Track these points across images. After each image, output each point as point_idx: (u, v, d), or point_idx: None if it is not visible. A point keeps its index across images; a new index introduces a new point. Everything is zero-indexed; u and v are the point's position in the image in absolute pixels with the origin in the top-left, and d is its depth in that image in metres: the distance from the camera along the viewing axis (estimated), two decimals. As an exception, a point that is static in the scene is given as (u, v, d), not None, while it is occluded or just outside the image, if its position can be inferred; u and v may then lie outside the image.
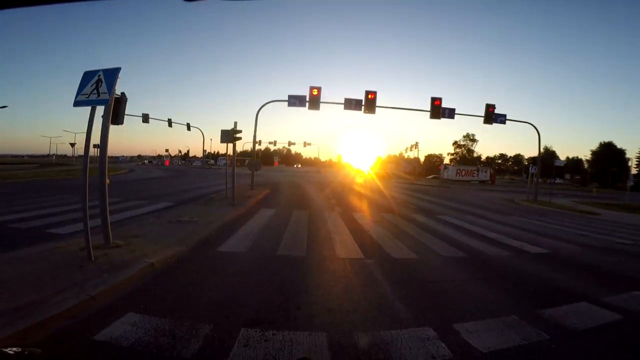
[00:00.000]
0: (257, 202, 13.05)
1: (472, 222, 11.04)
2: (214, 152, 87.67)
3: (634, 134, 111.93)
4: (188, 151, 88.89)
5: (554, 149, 72.62)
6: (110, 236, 5.42)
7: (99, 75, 4.66)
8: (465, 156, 76.10)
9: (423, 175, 58.05)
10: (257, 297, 3.91)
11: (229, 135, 11.95)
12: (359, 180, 37.77)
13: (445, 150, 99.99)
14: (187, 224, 7.67)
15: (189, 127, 37.59)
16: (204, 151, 54.69)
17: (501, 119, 19.95)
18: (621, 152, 65.05)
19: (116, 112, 5.47)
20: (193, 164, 74.63)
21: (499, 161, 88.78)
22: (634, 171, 55.65)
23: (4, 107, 23.15)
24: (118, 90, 5.26)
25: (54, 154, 72.64)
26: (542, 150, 23.65)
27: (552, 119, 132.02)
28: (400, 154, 78.26)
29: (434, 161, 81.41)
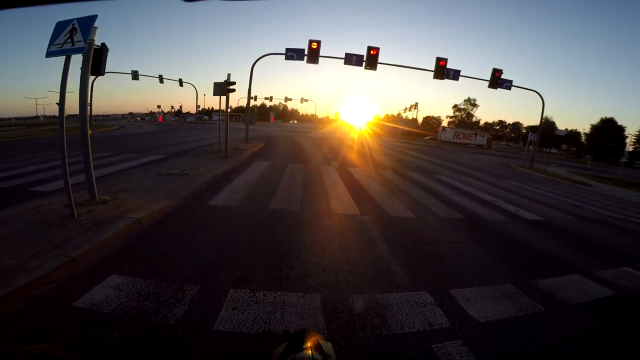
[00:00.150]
0: (251, 155, 12.77)
1: (469, 183, 10.93)
2: (208, 107, 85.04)
3: (637, 113, 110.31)
4: (181, 107, 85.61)
5: (554, 120, 71.64)
6: (96, 191, 5.16)
7: (73, 24, 4.23)
8: (464, 120, 74.86)
9: (420, 136, 57.41)
10: (247, 255, 3.75)
11: (222, 88, 11.48)
12: (356, 137, 37.24)
13: (444, 113, 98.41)
14: (177, 177, 7.41)
15: (181, 82, 36.01)
16: (198, 106, 52.94)
17: (507, 84, 19.44)
18: (621, 129, 64.49)
19: (97, 63, 5.12)
20: (187, 119, 72.54)
21: (497, 127, 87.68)
22: (630, 148, 55.51)
23: None
24: (98, 43, 4.94)
25: (42, 115, 69.68)
26: (543, 119, 23.16)
27: (555, 90, 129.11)
28: (399, 114, 76.82)
29: (432, 123, 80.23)
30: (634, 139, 65.33)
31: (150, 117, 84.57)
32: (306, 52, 16.68)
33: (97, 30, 4.64)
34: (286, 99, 53.31)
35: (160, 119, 68.61)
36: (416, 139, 48.70)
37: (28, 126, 42.80)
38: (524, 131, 59.00)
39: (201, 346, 2.22)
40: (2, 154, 12.01)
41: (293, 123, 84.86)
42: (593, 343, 2.72)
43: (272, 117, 69.35)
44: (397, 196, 7.40)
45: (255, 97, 48.55)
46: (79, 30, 4.23)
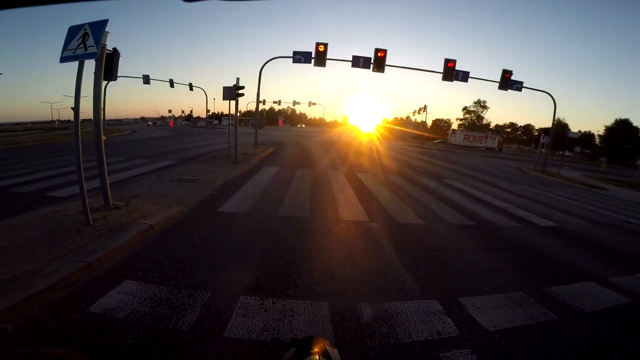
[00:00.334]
0: (260, 160, 12.89)
1: (480, 188, 10.81)
2: (218, 112, 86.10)
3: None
4: (191, 112, 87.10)
5: (566, 121, 70.39)
6: (110, 197, 5.29)
7: (85, 29, 4.36)
8: (474, 122, 74.05)
9: (430, 139, 56.99)
10: (257, 262, 3.80)
11: (231, 92, 11.64)
12: (365, 141, 37.19)
13: (453, 115, 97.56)
14: (189, 183, 7.53)
15: (191, 87, 36.55)
16: (208, 111, 53.66)
17: (517, 85, 19.11)
18: (636, 130, 62.90)
19: (109, 68, 5.22)
20: (197, 124, 73.62)
21: (508, 130, 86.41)
22: (646, 150, 54.08)
23: None
24: (110, 47, 5.04)
25: (57, 120, 71.45)
26: (555, 121, 22.77)
27: (568, 92, 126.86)
28: (407, 117, 76.37)
29: (441, 126, 79.58)
30: (651, 140, 63.55)
31: (161, 122, 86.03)
32: (313, 55, 16.71)
33: (109, 35, 4.73)
34: (294, 103, 53.78)
35: (171, 124, 69.76)
36: (426, 142, 48.35)
37: (43, 131, 43.85)
38: (536, 133, 58.11)
39: (212, 352, 2.26)
40: (19, 159, 12.42)
41: (301, 127, 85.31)
42: (606, 352, 2.66)
43: (280, 121, 69.88)
44: (406, 202, 7.38)
45: (264, 100, 48.93)
46: (91, 35, 4.34)
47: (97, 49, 4.39)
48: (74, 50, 4.38)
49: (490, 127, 78.79)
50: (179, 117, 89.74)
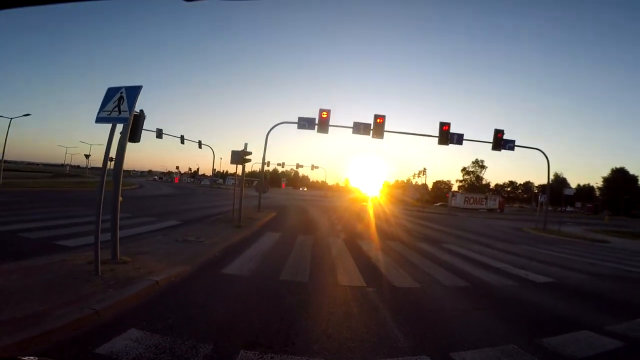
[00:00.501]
0: (263, 225, 13.17)
1: (478, 251, 10.93)
2: (223, 171, 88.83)
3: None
4: (198, 169, 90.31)
5: (565, 175, 71.70)
6: (118, 252, 5.57)
7: (121, 93, 4.80)
8: (473, 183, 75.36)
9: (431, 202, 57.51)
10: (257, 321, 3.95)
11: (239, 157, 12.12)
12: (366, 205, 37.67)
13: (453, 176, 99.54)
14: (193, 244, 7.80)
15: (200, 144, 37.93)
16: (214, 170, 55.32)
17: (510, 145, 19.81)
18: (634, 179, 63.98)
19: (134, 130, 5.60)
20: (202, 182, 75.54)
21: (509, 189, 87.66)
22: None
23: (28, 115, 23.98)
24: (137, 109, 5.37)
25: (68, 164, 74.17)
26: (552, 176, 23.73)
27: (564, 145, 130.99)
28: (408, 180, 77.91)
29: (442, 188, 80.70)
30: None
31: (167, 177, 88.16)
32: (317, 122, 17.55)
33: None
34: (297, 166, 55.43)
35: (176, 180, 71.47)
36: (426, 206, 48.80)
37: (54, 175, 44.47)
38: (536, 191, 58.65)
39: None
40: (29, 204, 12.88)
41: (303, 190, 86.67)
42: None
43: (283, 183, 71.47)
44: (404, 267, 7.51)
45: (268, 162, 50.73)
46: (125, 99, 4.73)
47: (130, 114, 4.81)
48: (109, 112, 4.80)
49: (490, 187, 79.80)
50: (184, 173, 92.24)
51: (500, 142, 19.37)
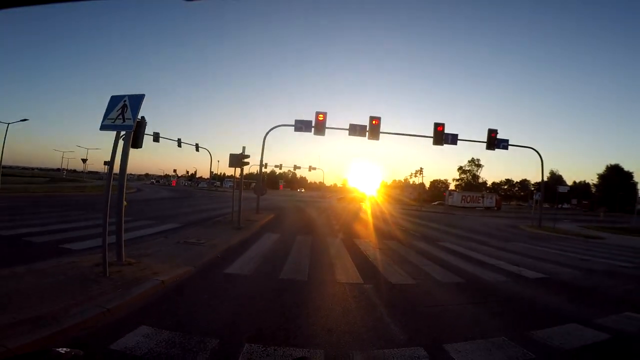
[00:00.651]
0: (262, 226, 13.34)
1: (473, 248, 11.17)
2: (221, 173, 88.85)
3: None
4: (195, 172, 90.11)
5: (560, 173, 72.42)
6: (124, 254, 5.75)
7: (125, 101, 4.94)
8: (470, 182, 75.89)
9: (428, 201, 57.85)
10: (260, 317, 4.15)
11: (238, 160, 12.32)
12: (363, 205, 37.93)
13: (450, 175, 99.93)
14: (194, 246, 7.96)
15: (197, 147, 37.77)
16: (211, 172, 55.33)
17: (504, 144, 20.06)
18: (629, 175, 64.66)
19: (136, 136, 5.78)
20: (199, 185, 75.47)
21: (505, 187, 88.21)
22: (642, 194, 54.99)
23: (25, 120, 24.05)
24: (140, 117, 5.58)
25: (64, 169, 74.13)
26: (548, 174, 24.07)
27: (559, 142, 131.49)
28: (405, 180, 78.44)
29: (439, 187, 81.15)
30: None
31: (164, 180, 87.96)
32: (313, 124, 17.75)
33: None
34: (295, 167, 55.57)
35: (174, 183, 71.39)
36: (424, 205, 49.15)
37: (51, 179, 44.30)
38: (532, 188, 59.14)
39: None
40: (31, 209, 13.08)
41: (301, 191, 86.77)
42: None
43: (281, 185, 71.64)
44: (400, 265, 7.71)
45: (266, 164, 50.86)
46: (129, 107, 4.86)
47: (133, 122, 4.94)
48: (113, 120, 4.94)
49: (487, 185, 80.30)
50: (182, 176, 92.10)
51: (494, 142, 19.68)
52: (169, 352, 3.04)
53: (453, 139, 19.23)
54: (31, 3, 0.69)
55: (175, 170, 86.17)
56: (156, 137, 30.94)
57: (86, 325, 3.38)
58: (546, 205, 28.06)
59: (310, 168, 54.93)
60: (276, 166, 54.89)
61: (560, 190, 24.07)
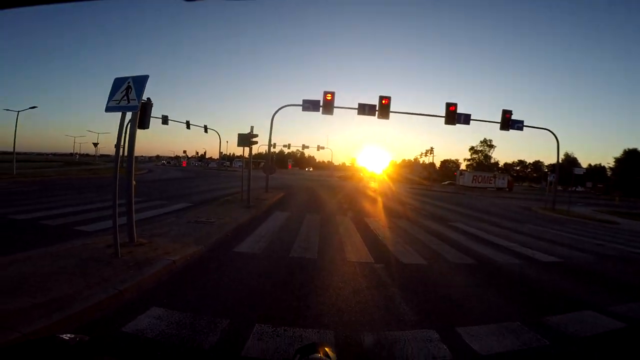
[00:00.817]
0: (272, 205, 13.39)
1: (485, 229, 11.02)
2: (230, 153, 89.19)
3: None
4: (205, 152, 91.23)
5: (575, 155, 70.66)
6: (135, 234, 5.79)
7: (129, 82, 4.90)
8: (482, 162, 74.59)
9: (438, 181, 57.32)
10: (270, 297, 4.15)
11: (246, 139, 12.27)
12: (373, 185, 37.76)
13: (461, 155, 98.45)
14: (205, 225, 8.01)
15: (206, 129, 37.93)
16: (220, 153, 55.69)
17: (518, 125, 19.57)
18: None
19: (142, 117, 5.79)
20: (209, 165, 76.23)
21: (518, 168, 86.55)
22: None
23: (34, 107, 24.23)
24: (146, 98, 5.61)
25: (77, 153, 76.20)
26: (563, 156, 23.40)
27: (574, 124, 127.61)
28: (415, 159, 77.46)
29: (450, 167, 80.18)
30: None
31: (174, 161, 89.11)
32: (321, 104, 17.55)
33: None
34: (303, 147, 55.20)
35: (184, 164, 72.26)
36: (433, 184, 48.69)
37: (65, 163, 45.84)
38: (546, 170, 57.96)
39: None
40: (45, 193, 13.42)
41: (309, 170, 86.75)
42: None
43: (289, 164, 71.57)
44: (411, 244, 7.65)
45: (275, 144, 50.68)
46: (133, 88, 4.85)
47: (139, 103, 4.93)
48: (118, 102, 4.92)
49: (499, 166, 78.94)
50: (192, 157, 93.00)
51: (509, 122, 19.23)
52: (180, 333, 3.04)
53: (466, 119, 18.75)
54: (31, 3, 0.66)
55: (185, 152, 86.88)
56: (165, 120, 31.14)
57: (99, 307, 3.40)
58: (560, 188, 27.45)
59: (319, 147, 54.50)
60: (284, 146, 54.93)
61: (576, 172, 23.24)
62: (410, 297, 4.35)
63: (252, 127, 12.68)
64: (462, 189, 46.54)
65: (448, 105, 18.11)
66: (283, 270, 5.25)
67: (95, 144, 51.85)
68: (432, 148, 51.54)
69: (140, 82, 4.94)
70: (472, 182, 52.92)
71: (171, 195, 15.41)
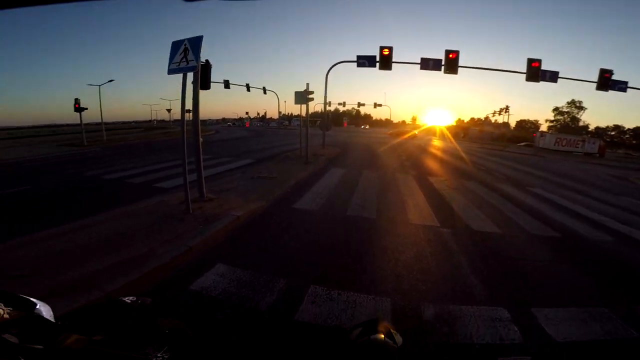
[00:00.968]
0: (328, 161, 13.45)
1: (570, 198, 9.65)
2: (288, 113, 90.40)
3: None
4: (265, 113, 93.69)
5: None
6: (204, 190, 6.18)
7: (185, 44, 5.06)
8: (568, 124, 64.92)
9: (513, 142, 51.72)
10: (326, 256, 4.13)
11: (302, 96, 12.39)
12: (436, 143, 35.49)
13: (542, 117, 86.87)
14: (267, 180, 8.32)
15: (264, 90, 38.96)
16: (279, 112, 56.65)
17: (620, 86, 16.32)
18: None
19: (204, 78, 6.00)
20: (270, 125, 78.65)
21: (613, 133, 73.66)
22: None
23: (111, 80, 26.89)
24: (203, 59, 5.73)
25: (154, 120, 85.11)
26: None
27: None
28: (486, 118, 70.48)
29: (527, 127, 71.49)
30: None
31: (239, 123, 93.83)
32: (378, 59, 16.55)
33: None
34: (359, 104, 53.24)
35: (247, 124, 75.70)
36: (508, 145, 44.12)
37: (145, 129, 51.62)
38: None
39: (282, 333, 2.61)
40: (129, 155, 15.22)
41: (365, 128, 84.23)
42: None
43: (345, 122, 70.15)
44: (483, 209, 6.99)
45: (330, 102, 49.70)
46: (190, 49, 5.02)
47: (197, 62, 5.09)
48: (178, 64, 5.14)
49: (589, 129, 68.18)
50: (254, 118, 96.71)
51: (608, 82, 16.17)
52: (240, 292, 3.18)
53: (552, 76, 16.31)
54: (31, 3, 0.64)
55: (247, 113, 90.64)
56: (227, 84, 32.77)
57: (172, 264, 3.66)
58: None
59: (375, 105, 52.03)
60: (340, 104, 53.54)
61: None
62: (479, 269, 3.99)
63: (307, 84, 12.75)
64: (541, 151, 41.46)
65: (530, 61, 15.97)
66: (340, 229, 5.18)
67: (169, 110, 56.82)
68: (507, 107, 46.13)
69: (195, 42, 5.05)
70: (555, 144, 46.56)
71: (237, 152, 16.34)
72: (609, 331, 2.85)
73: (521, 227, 5.94)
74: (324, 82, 18.17)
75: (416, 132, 49.67)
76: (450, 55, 15.99)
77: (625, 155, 63.44)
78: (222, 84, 32.75)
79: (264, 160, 13.16)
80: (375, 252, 4.33)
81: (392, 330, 1.05)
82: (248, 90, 36.68)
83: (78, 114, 21.50)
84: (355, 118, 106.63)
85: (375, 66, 16.80)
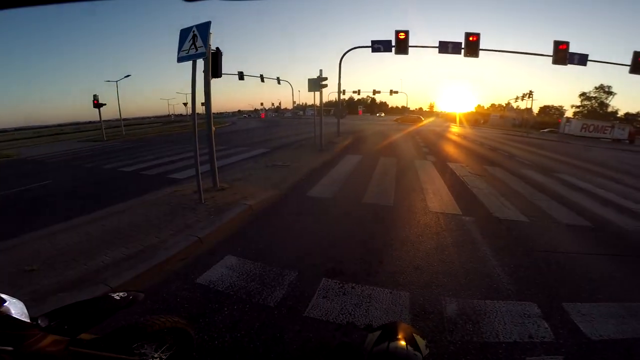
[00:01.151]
0: (343, 149, 13.21)
1: (602, 185, 9.05)
2: (303, 103, 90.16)
3: None
4: (280, 103, 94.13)
5: None
6: (217, 180, 6.11)
7: (193, 31, 4.97)
8: (595, 110, 61.40)
9: (536, 128, 49.62)
10: (340, 247, 3.94)
11: (316, 83, 12.23)
12: (456, 129, 34.47)
13: (567, 102, 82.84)
14: (281, 168, 8.20)
15: (278, 80, 38.87)
16: (294, 102, 56.76)
17: None
18: None
19: (215, 66, 5.90)
20: (285, 115, 78.71)
21: (644, 118, 69.21)
22: None
23: (128, 75, 27.52)
24: (213, 47, 5.63)
25: (172, 114, 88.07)
26: None
27: None
28: (508, 103, 67.85)
29: (551, 113, 68.32)
30: None
31: (254, 114, 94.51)
32: (393, 43, 15.91)
33: (212, 36, 5.24)
34: (374, 92, 51.98)
35: (262, 116, 76.04)
36: (531, 131, 42.35)
37: (163, 124, 53.07)
38: None
39: (292, 330, 2.45)
40: (146, 147, 15.56)
41: (380, 116, 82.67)
42: None
43: (360, 110, 69.06)
44: (507, 197, 6.60)
45: (344, 90, 48.84)
46: (198, 36, 4.94)
47: (205, 48, 5.00)
48: (187, 51, 5.07)
49: (617, 115, 64.42)
50: (269, 108, 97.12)
51: None
52: (248, 286, 3.04)
53: (581, 59, 15.39)
54: (31, 3, 0.58)
55: (262, 104, 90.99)
56: (241, 76, 32.95)
57: (180, 256, 3.57)
58: None
59: (392, 92, 50.72)
60: (354, 92, 52.53)
61: None
62: (506, 260, 3.71)
63: (320, 71, 12.57)
64: (567, 137, 39.62)
65: (557, 43, 15.11)
66: (355, 217, 4.99)
67: (185, 104, 57.95)
68: (530, 91, 44.07)
69: (203, 28, 4.96)
70: (581, 130, 44.35)
71: (252, 142, 16.35)
72: (650, 329, 2.56)
73: (549, 216, 5.56)
74: (336, 70, 17.81)
75: (423, 118, 48.50)
76: (471, 38, 15.33)
77: (657, 140, 59.84)
78: (237, 76, 33.01)
79: (279, 149, 13.08)
80: (392, 242, 4.12)
81: (415, 336, 0.89)
82: (262, 81, 36.70)
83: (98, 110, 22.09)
84: (371, 106, 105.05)
85: (390, 51, 16.20)
